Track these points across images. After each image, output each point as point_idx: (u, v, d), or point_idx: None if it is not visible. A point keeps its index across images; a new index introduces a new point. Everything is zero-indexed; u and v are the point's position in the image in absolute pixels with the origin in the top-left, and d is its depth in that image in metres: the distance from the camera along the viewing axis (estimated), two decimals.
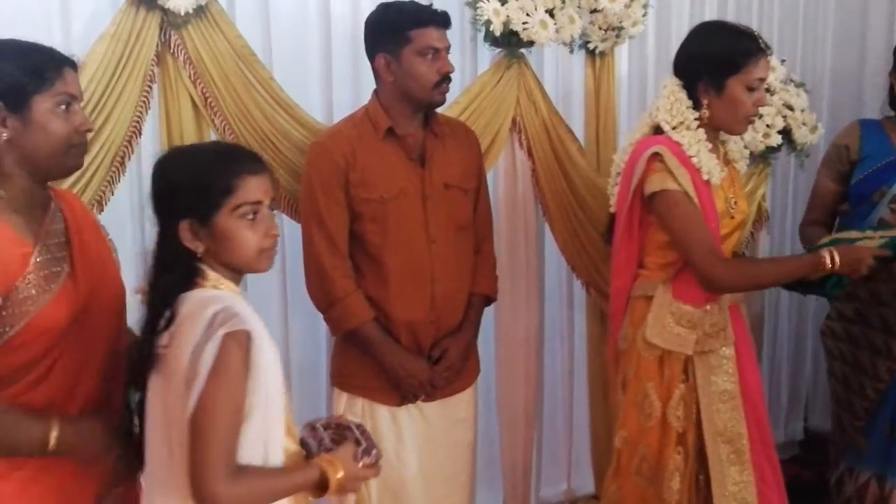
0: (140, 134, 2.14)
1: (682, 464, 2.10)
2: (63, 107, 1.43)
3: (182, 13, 2.08)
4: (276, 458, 1.40)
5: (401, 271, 2.09)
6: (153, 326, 1.37)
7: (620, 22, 2.64)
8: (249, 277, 2.41)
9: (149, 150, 2.21)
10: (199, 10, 2.12)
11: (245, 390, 1.31)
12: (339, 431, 1.51)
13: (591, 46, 2.68)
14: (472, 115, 2.48)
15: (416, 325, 2.12)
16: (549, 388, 2.95)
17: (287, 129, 2.27)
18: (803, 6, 3.30)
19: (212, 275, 1.40)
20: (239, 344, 1.29)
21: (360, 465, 1.46)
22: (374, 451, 1.50)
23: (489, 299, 2.32)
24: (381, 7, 2.13)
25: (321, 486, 1.41)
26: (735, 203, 2.13)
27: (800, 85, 2.93)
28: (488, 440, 2.76)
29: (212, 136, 2.24)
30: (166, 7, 2.06)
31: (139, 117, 2.12)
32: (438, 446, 2.20)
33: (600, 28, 2.64)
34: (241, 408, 1.32)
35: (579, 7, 2.57)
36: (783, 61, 2.92)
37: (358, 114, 2.19)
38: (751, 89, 2.03)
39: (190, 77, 2.17)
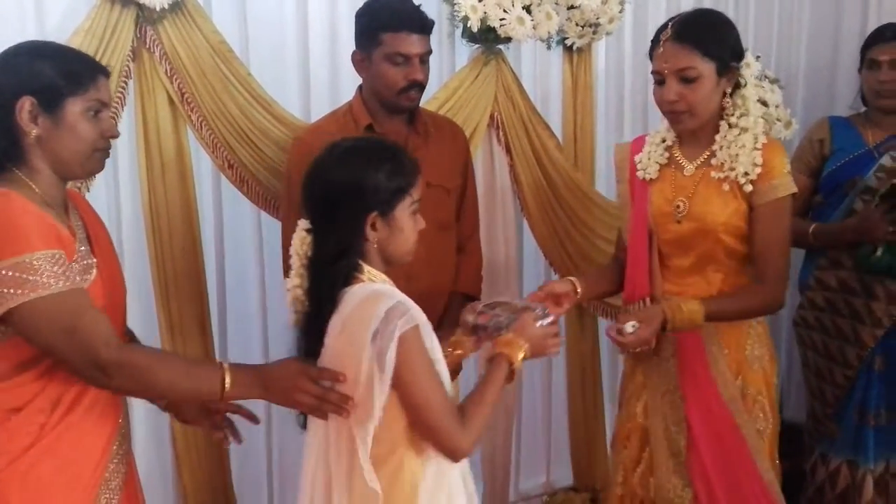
0: None
1: (626, 459, 2.11)
2: (93, 112, 1.48)
3: (158, 8, 2.06)
4: None
5: None
6: (319, 318, 1.47)
7: (597, 18, 2.66)
8: (229, 276, 2.42)
9: (124, 145, 2.20)
10: (175, 6, 2.11)
11: (434, 367, 1.46)
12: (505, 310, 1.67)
13: (568, 43, 2.70)
14: (451, 110, 2.48)
15: None
16: (527, 382, 2.97)
17: (265, 126, 2.26)
18: (778, 3, 3.33)
19: (366, 268, 1.50)
20: (415, 336, 1.42)
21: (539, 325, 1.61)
22: (551, 317, 1.64)
23: (471, 298, 2.32)
24: (366, 3, 2.12)
25: (512, 372, 1.56)
26: (683, 208, 1.97)
27: (774, 81, 2.97)
28: None
29: (188, 133, 2.23)
30: (141, 2, 2.05)
31: (114, 113, 2.09)
32: None
33: (577, 24, 2.66)
34: (437, 374, 1.46)
35: (556, 3, 2.58)
36: (758, 58, 2.96)
37: (341, 109, 2.19)
38: (655, 82, 1.94)
39: (166, 73, 2.15)
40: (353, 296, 1.46)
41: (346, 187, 1.48)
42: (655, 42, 1.93)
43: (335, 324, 1.46)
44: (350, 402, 1.43)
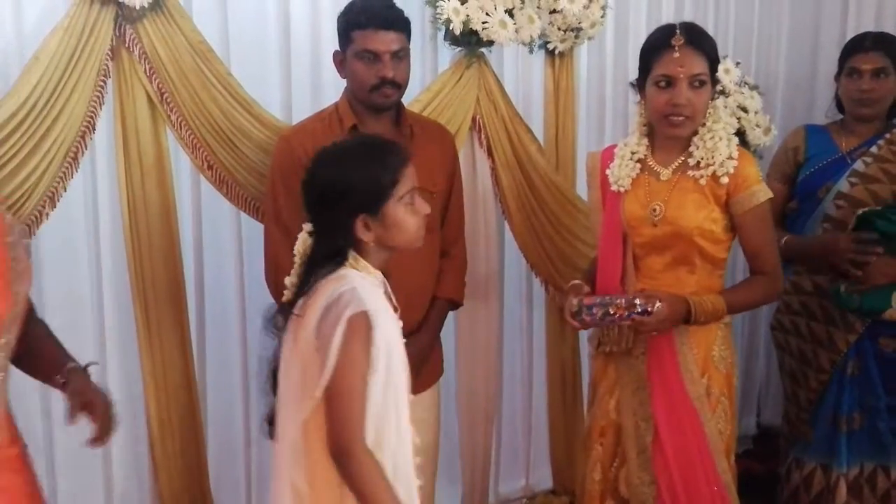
0: (94, 129, 2.11)
1: (602, 455, 2.14)
2: None
3: (137, 7, 2.05)
4: (404, 444, 1.54)
5: None
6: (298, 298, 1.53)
7: (579, 23, 2.67)
8: (208, 278, 2.40)
9: (102, 145, 2.18)
10: (155, 5, 2.09)
11: (368, 367, 1.45)
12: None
13: (550, 47, 2.70)
14: (433, 113, 2.48)
15: None
16: (508, 385, 2.97)
17: (245, 127, 2.25)
18: (758, 10, 3.36)
19: (351, 254, 1.53)
20: (360, 325, 1.43)
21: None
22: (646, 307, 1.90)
23: (454, 303, 2.32)
24: (347, 4, 2.12)
25: None
26: (659, 211, 2.02)
27: (754, 87, 3.00)
28: (448, 437, 2.76)
29: (167, 133, 2.21)
30: (121, 1, 2.03)
31: (93, 112, 2.09)
32: None
33: (559, 28, 2.67)
34: (366, 382, 1.45)
35: (539, 7, 2.59)
36: (738, 64, 2.99)
37: (327, 110, 2.18)
38: (658, 85, 1.98)
39: (145, 72, 2.13)
40: (325, 282, 1.51)
41: (332, 190, 1.51)
42: (665, 46, 1.97)
43: (308, 303, 1.49)
44: None
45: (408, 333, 2.13)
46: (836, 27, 3.32)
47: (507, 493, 3.04)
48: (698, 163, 2.01)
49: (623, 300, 1.92)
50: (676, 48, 1.95)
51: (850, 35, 2.85)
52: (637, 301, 1.91)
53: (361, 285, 1.49)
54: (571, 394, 2.95)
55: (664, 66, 1.96)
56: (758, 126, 2.94)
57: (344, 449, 1.43)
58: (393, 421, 1.51)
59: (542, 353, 2.96)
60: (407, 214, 1.55)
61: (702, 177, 2.00)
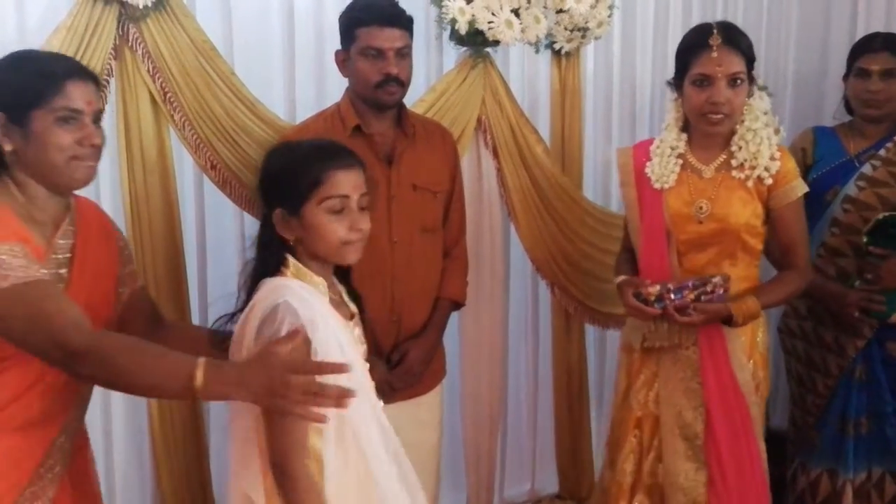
0: None
1: (637, 447, 2.16)
2: (64, 121, 1.46)
3: (140, 6, 2.04)
4: (373, 445, 1.49)
5: (360, 270, 2.06)
6: (239, 309, 1.51)
7: (586, 22, 2.65)
8: (211, 278, 2.39)
9: (106, 145, 2.17)
10: (159, 3, 2.08)
11: None
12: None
13: (556, 47, 2.68)
14: (438, 113, 2.47)
15: (376, 324, 2.08)
16: (513, 388, 2.95)
17: (248, 126, 2.24)
18: (767, 10, 3.34)
19: (292, 262, 1.49)
20: (297, 341, 1.36)
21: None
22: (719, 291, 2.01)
23: (457, 304, 2.31)
24: (350, 2, 2.13)
25: None
26: (706, 209, 2.08)
27: (762, 88, 2.96)
28: (453, 440, 2.75)
29: (170, 132, 2.20)
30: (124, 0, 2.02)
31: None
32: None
33: (566, 28, 2.65)
34: None
35: (545, 7, 2.57)
36: None
37: (329, 109, 2.18)
38: (696, 84, 2.03)
39: (149, 71, 2.12)
40: (262, 287, 1.47)
41: (260, 184, 1.54)
42: (702, 45, 2.01)
43: (244, 314, 1.46)
44: (350, 394, 1.29)
45: (412, 335, 2.16)
46: (845, 27, 3.29)
47: (513, 497, 3.02)
48: (742, 164, 2.07)
49: (720, 277, 2.00)
50: (714, 48, 2.00)
51: (859, 35, 2.83)
52: (722, 277, 2.00)
53: (299, 296, 1.42)
54: (577, 397, 2.93)
55: (702, 65, 2.01)
56: (767, 126, 2.91)
57: (281, 466, 1.39)
58: (356, 425, 1.46)
59: (547, 355, 2.94)
60: (328, 221, 1.47)
61: (748, 178, 2.06)
